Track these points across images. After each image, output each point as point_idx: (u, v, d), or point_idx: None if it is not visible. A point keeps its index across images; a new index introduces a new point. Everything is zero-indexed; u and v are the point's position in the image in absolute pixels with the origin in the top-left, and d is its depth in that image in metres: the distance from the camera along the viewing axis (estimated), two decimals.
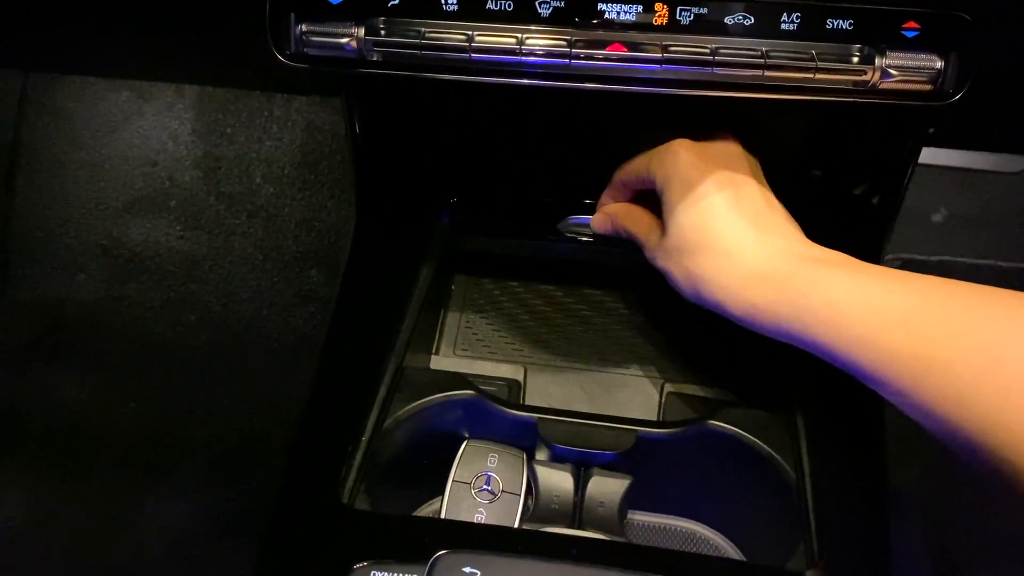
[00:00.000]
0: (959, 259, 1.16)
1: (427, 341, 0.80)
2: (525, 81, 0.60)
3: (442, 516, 0.65)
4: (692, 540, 0.69)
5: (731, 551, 0.67)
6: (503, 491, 0.67)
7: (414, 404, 0.65)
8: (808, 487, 0.58)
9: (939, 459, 1.04)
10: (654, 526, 0.70)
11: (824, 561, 0.52)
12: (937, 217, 1.21)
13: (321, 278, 1.13)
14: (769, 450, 0.63)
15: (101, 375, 1.06)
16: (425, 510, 0.68)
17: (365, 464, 0.59)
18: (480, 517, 0.65)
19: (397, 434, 0.64)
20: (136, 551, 0.95)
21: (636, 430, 0.65)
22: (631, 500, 0.66)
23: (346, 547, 0.51)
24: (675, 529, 0.70)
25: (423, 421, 0.66)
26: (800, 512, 0.57)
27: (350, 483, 0.56)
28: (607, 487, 0.63)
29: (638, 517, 0.70)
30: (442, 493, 0.66)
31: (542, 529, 0.58)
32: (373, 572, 0.50)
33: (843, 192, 0.73)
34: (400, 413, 0.65)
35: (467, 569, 0.48)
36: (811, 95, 0.60)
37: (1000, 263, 1.14)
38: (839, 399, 0.64)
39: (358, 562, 0.50)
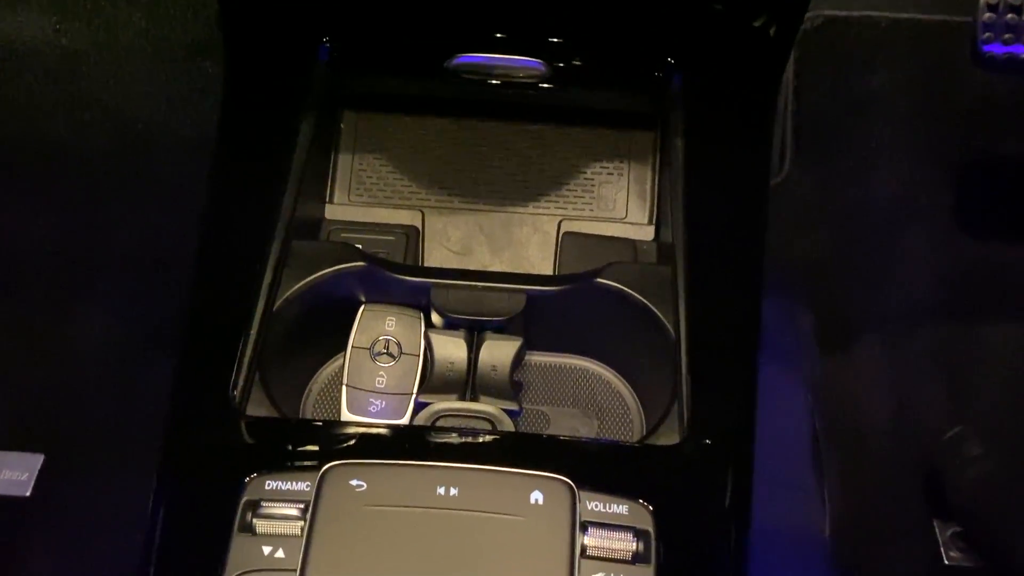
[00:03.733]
0: (880, 14, 1.14)
1: (319, 187, 0.78)
2: None
3: (344, 382, 0.67)
4: (585, 377, 0.73)
5: (622, 388, 0.72)
6: (403, 353, 0.69)
7: (304, 282, 0.65)
8: (683, 351, 0.61)
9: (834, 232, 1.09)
10: (550, 365, 0.73)
11: (694, 434, 0.56)
12: None
13: (217, 71, 1.06)
14: (652, 308, 0.65)
15: None
16: (326, 371, 0.70)
17: (256, 356, 0.60)
18: (381, 382, 0.68)
19: (289, 313, 0.65)
20: (69, 367, 0.98)
21: (526, 290, 0.67)
22: (527, 348, 0.69)
23: (239, 457, 0.54)
24: (569, 367, 0.73)
25: (315, 296, 0.66)
26: (676, 378, 0.60)
27: (241, 382, 0.58)
28: (499, 351, 0.66)
29: (535, 358, 0.73)
30: (342, 355, 0.68)
31: (436, 407, 0.62)
32: (267, 482, 0.53)
33: (743, 25, 0.70)
34: (290, 293, 0.65)
35: (354, 482, 0.51)
36: None
37: (920, 16, 1.12)
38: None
39: (251, 472, 0.53)
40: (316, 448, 0.54)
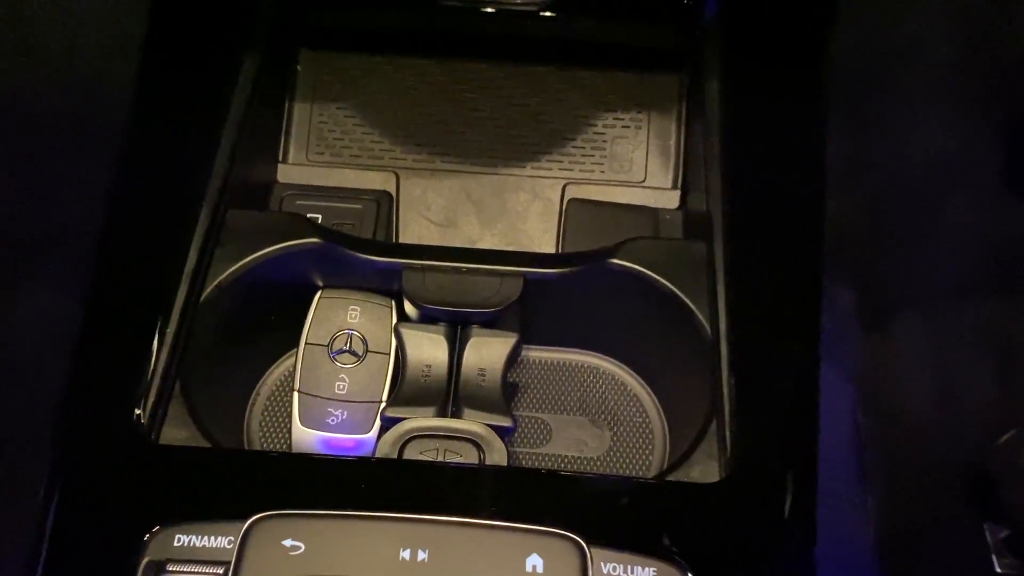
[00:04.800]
0: None
1: (270, 145, 0.64)
2: None
3: (295, 388, 0.54)
4: (595, 377, 0.60)
5: (641, 391, 0.59)
6: (368, 351, 0.56)
7: (241, 263, 0.52)
8: (724, 352, 0.48)
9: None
10: (552, 363, 0.60)
11: (741, 466, 0.43)
12: None
13: None
14: (681, 295, 0.52)
15: None
16: (276, 371, 0.57)
17: (175, 361, 0.47)
18: (342, 387, 0.55)
19: (222, 303, 0.51)
20: (13, 345, 0.86)
21: (523, 273, 0.53)
22: (523, 346, 0.56)
23: (140, 501, 0.41)
24: (576, 365, 0.60)
25: (257, 280, 0.53)
26: (714, 388, 0.47)
27: (152, 397, 0.45)
28: (488, 351, 0.53)
29: (534, 353, 0.60)
30: (293, 354, 0.55)
31: (405, 426, 0.48)
32: (176, 537, 0.40)
33: None
34: (223, 277, 0.51)
35: (288, 542, 0.38)
36: None
37: None
38: None
39: (155, 523, 0.40)
40: (242, 489, 0.41)
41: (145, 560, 0.39)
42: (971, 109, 0.95)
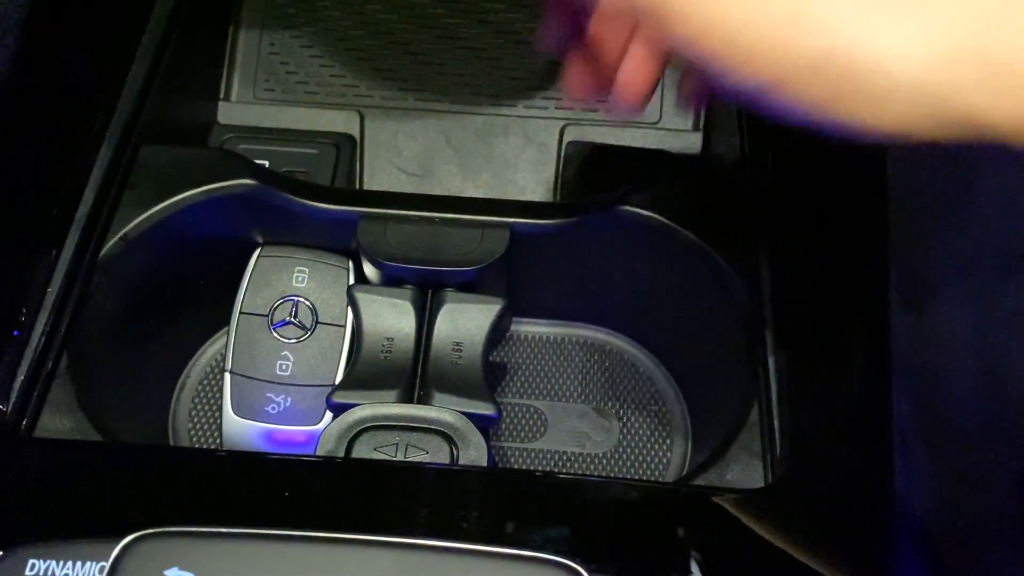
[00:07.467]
0: None
1: (209, 79, 0.53)
2: None
3: (227, 367, 0.44)
4: (601, 355, 0.50)
5: (656, 372, 0.48)
6: (319, 323, 0.46)
7: (154, 210, 0.41)
8: (769, 318, 0.38)
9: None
10: (548, 338, 0.50)
11: (792, 464, 0.33)
12: None
13: None
14: (714, 253, 0.41)
15: None
16: (212, 348, 0.47)
17: (59, 335, 0.36)
18: (285, 367, 0.45)
19: (132, 260, 0.41)
20: None
21: (509, 224, 0.43)
22: (511, 315, 0.46)
23: None
24: (577, 341, 0.50)
25: (177, 232, 0.42)
26: (755, 367, 0.37)
27: (21, 378, 0.34)
28: (466, 320, 0.42)
29: (524, 327, 0.50)
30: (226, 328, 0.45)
31: (357, 414, 0.38)
32: (30, 563, 0.29)
33: None
34: (131, 227, 0.41)
35: (174, 572, 0.28)
36: None
37: None
38: None
39: (7, 544, 0.29)
40: (130, 499, 0.31)
41: None
42: None
